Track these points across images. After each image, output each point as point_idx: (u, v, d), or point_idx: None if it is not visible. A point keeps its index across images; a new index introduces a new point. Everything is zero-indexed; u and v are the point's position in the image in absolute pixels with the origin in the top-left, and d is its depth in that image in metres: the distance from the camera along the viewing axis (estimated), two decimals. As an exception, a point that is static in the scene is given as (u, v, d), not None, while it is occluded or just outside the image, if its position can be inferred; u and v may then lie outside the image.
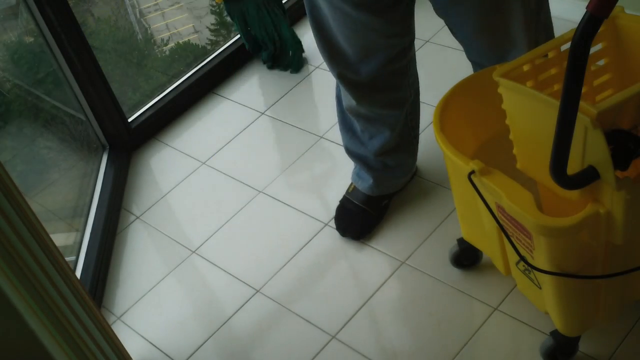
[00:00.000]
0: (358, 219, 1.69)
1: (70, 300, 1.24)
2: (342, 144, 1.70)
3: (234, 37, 2.35)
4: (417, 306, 1.51)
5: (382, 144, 1.58)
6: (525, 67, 1.11)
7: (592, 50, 0.86)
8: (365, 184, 1.67)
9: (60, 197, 2.11)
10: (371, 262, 1.62)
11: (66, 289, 1.23)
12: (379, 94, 1.48)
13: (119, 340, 1.47)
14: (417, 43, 2.18)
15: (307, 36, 2.23)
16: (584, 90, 0.81)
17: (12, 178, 1.13)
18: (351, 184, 1.74)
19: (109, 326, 1.43)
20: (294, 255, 1.68)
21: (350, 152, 1.68)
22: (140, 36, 3.00)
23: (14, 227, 1.09)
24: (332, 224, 1.73)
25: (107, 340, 1.38)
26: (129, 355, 1.51)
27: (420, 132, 1.68)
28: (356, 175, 1.71)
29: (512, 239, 1.14)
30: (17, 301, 1.07)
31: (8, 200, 1.09)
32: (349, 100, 1.52)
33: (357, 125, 1.58)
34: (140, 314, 1.66)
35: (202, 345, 1.55)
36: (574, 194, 1.01)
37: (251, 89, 2.24)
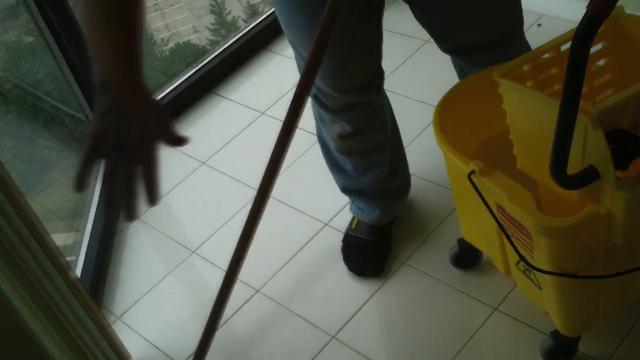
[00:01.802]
0: (372, 254, 1.61)
1: (70, 300, 1.24)
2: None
3: (234, 37, 2.35)
4: (417, 306, 1.51)
5: (378, 172, 1.51)
6: (525, 67, 1.11)
7: (592, 50, 0.87)
8: (373, 215, 1.60)
9: (60, 197, 2.11)
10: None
11: (66, 288, 1.23)
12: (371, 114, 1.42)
13: (119, 340, 1.47)
14: (417, 43, 2.19)
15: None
16: (584, 90, 0.81)
17: (12, 178, 1.13)
18: (353, 219, 1.66)
19: (110, 326, 1.43)
20: (294, 255, 1.68)
21: (348, 190, 1.60)
22: (140, 36, 2.99)
23: (14, 227, 1.09)
24: (332, 224, 1.73)
25: (107, 340, 1.37)
26: (129, 354, 1.51)
27: (419, 132, 1.68)
28: (357, 208, 1.63)
29: (512, 239, 1.14)
30: (17, 301, 1.07)
31: (8, 200, 1.09)
32: (342, 137, 1.43)
33: (349, 164, 1.51)
34: (140, 314, 1.66)
35: (202, 345, 1.55)
36: (574, 194, 1.01)
37: (251, 89, 2.24)
